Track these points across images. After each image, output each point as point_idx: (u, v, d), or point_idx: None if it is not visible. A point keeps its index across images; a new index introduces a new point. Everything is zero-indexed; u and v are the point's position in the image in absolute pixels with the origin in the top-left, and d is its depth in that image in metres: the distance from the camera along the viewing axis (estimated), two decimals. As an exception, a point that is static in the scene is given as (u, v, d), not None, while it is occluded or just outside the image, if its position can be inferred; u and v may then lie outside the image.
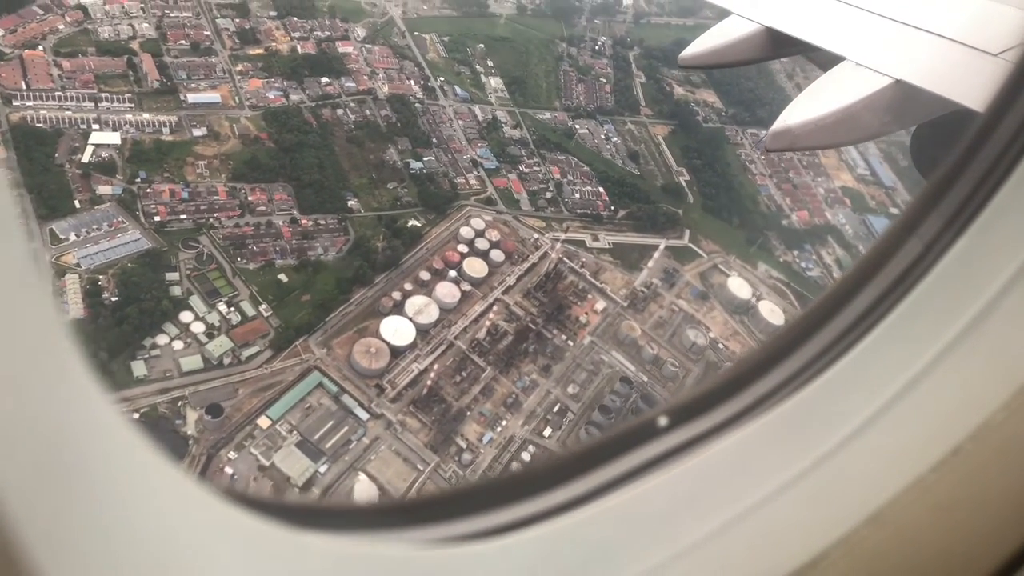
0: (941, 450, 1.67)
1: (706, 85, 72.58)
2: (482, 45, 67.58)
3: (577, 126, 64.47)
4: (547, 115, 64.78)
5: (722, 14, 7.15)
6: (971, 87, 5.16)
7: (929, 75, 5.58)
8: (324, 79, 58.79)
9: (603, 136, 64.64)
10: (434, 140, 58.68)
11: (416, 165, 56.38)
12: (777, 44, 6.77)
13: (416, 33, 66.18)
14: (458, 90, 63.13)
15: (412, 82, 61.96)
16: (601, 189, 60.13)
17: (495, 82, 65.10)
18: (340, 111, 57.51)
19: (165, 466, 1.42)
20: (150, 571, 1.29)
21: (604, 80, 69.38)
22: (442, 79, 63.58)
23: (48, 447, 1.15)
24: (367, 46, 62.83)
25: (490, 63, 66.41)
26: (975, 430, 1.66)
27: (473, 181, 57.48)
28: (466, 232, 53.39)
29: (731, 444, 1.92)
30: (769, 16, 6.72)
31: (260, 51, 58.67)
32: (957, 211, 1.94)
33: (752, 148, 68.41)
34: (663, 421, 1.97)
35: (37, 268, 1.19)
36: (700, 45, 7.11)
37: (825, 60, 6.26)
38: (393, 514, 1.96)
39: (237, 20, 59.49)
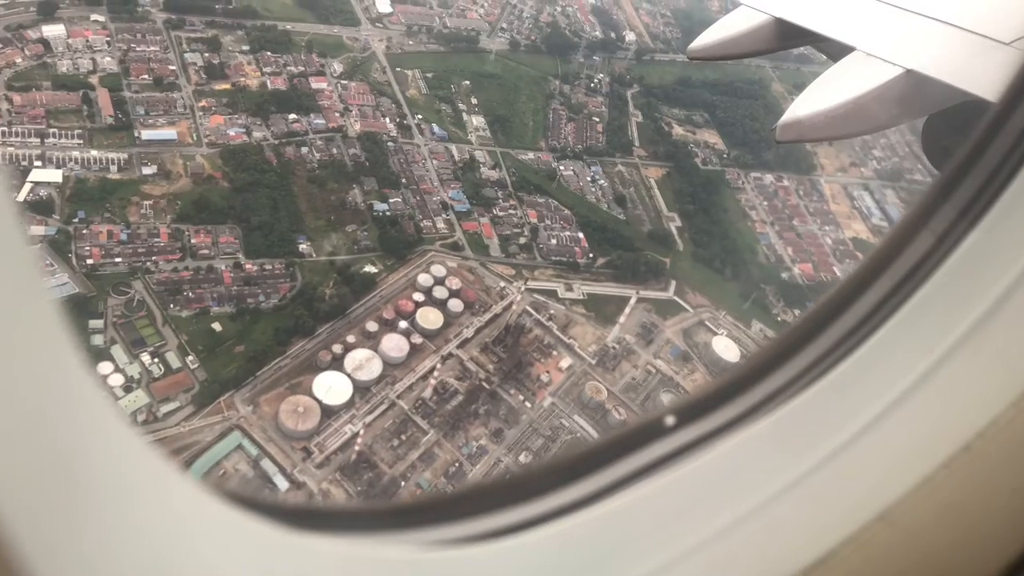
0: (950, 448, 1.67)
1: (708, 125, 68.11)
2: (468, 82, 64.51)
3: (562, 167, 60.59)
4: (530, 155, 61.12)
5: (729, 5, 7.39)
6: (983, 77, 5.04)
7: (940, 65, 5.45)
8: (292, 116, 56.27)
9: (589, 178, 60.61)
10: (403, 181, 55.45)
11: (380, 207, 53.14)
12: (786, 35, 6.57)
13: (398, 69, 63.48)
14: (436, 128, 59.99)
15: (387, 120, 59.08)
16: (581, 235, 55.96)
17: (477, 120, 61.81)
18: (305, 149, 54.79)
19: (164, 466, 1.42)
20: (149, 572, 1.31)
21: (597, 119, 65.52)
22: (420, 117, 60.57)
23: (42, 444, 1.16)
24: (343, 82, 60.30)
25: (474, 101, 63.21)
26: (985, 428, 1.66)
27: (441, 224, 53.94)
28: (424, 279, 49.70)
29: (739, 442, 1.90)
30: (778, 6, 6.55)
31: (227, 86, 56.52)
32: (968, 204, 1.92)
33: (754, 192, 63.43)
34: (669, 420, 1.95)
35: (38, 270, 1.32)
36: (709, 37, 6.84)
37: (835, 51, 6.08)
38: (395, 516, 1.92)
39: (207, 54, 57.58)
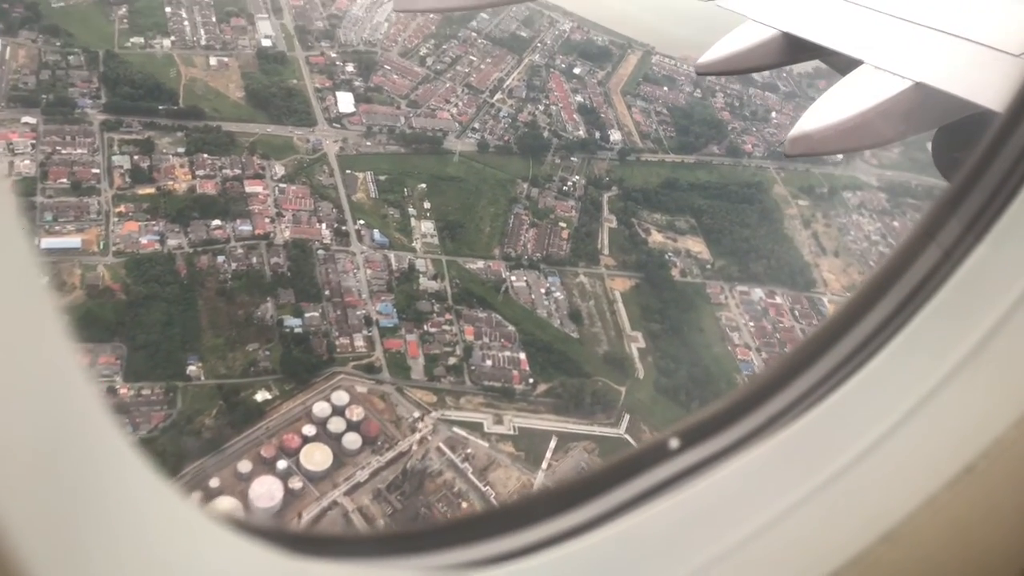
0: (954, 468, 1.69)
1: (694, 231, 60.96)
2: (424, 185, 59.67)
3: (513, 277, 54.25)
4: (479, 264, 55.08)
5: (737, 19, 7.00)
6: (992, 88, 5.16)
7: (949, 77, 5.51)
8: (216, 222, 52.18)
9: (543, 290, 53.95)
10: (327, 293, 50.05)
11: (293, 322, 47.63)
12: (794, 49, 6.57)
13: (348, 171, 59.27)
14: (377, 235, 54.89)
15: (323, 226, 54.38)
16: (522, 355, 48.90)
17: (426, 226, 56.52)
18: (221, 258, 50.27)
19: (166, 490, 1.46)
20: None
21: (563, 225, 59.35)
22: (362, 222, 55.70)
23: (48, 463, 1.19)
24: (281, 185, 56.25)
25: (427, 205, 58.15)
26: (989, 447, 1.68)
27: (360, 342, 47.87)
28: (320, 409, 43.30)
29: (743, 464, 1.91)
30: (785, 21, 6.55)
31: (151, 191, 53.10)
32: (975, 217, 1.93)
33: (739, 310, 55.38)
34: (674, 442, 1.97)
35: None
36: (717, 52, 6.78)
37: (843, 64, 6.13)
38: (398, 541, 1.94)
39: (136, 157, 54.59)
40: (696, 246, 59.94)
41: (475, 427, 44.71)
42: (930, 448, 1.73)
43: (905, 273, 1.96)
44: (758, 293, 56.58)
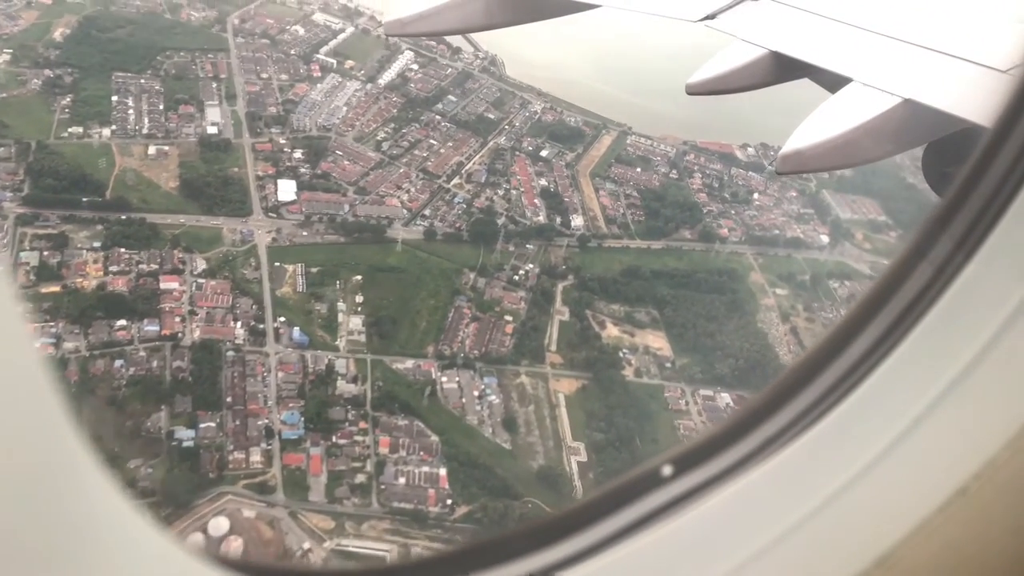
0: (947, 491, 1.70)
1: (655, 325, 55.44)
2: (359, 277, 55.46)
3: (444, 378, 49.04)
4: (408, 364, 50.05)
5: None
6: (980, 104, 5.21)
7: (938, 94, 5.57)
8: (121, 322, 48.23)
9: (476, 392, 48.55)
10: (228, 399, 45.31)
11: (185, 434, 42.83)
12: (783, 68, 6.57)
13: (278, 263, 55.40)
14: (296, 333, 50.40)
15: (238, 324, 50.08)
16: (443, 471, 43.25)
17: (354, 322, 51.95)
18: (119, 362, 46.04)
19: (159, 536, 1.46)
20: None
21: (508, 318, 54.33)
22: (283, 319, 51.32)
23: (37, 511, 1.19)
24: (200, 281, 52.41)
25: (359, 299, 53.75)
26: (980, 469, 1.68)
27: (257, 457, 42.78)
28: (193, 541, 37.80)
29: (735, 491, 1.91)
30: (774, 40, 6.58)
31: (56, 289, 49.57)
32: (964, 236, 1.93)
33: (702, 418, 49.20)
34: (667, 470, 1.96)
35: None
36: (706, 72, 6.69)
37: (832, 82, 6.14)
38: None
39: (47, 253, 51.36)
40: (656, 341, 54.28)
41: (375, 562, 38.78)
42: (923, 471, 1.72)
43: (896, 293, 1.93)
44: (725, 399, 50.31)
